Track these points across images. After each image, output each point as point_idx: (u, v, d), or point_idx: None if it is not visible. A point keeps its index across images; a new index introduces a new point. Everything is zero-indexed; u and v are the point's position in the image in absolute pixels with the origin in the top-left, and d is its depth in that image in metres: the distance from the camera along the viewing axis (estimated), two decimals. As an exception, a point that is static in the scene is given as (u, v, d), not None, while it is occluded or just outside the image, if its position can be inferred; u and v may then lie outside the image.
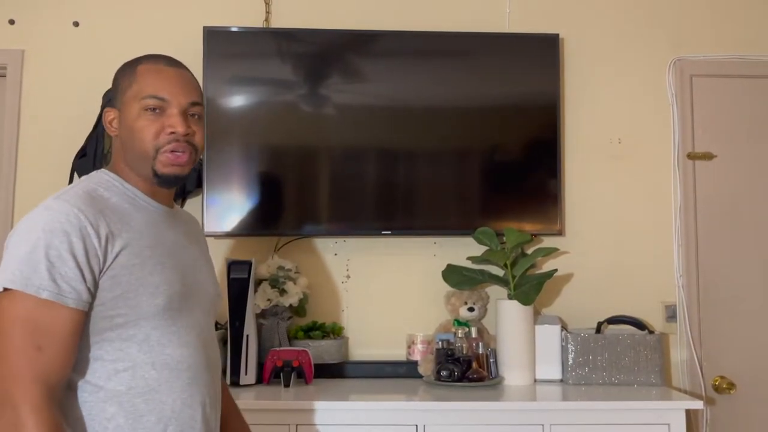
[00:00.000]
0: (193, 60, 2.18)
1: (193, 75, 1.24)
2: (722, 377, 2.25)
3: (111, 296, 1.07)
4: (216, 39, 2.20)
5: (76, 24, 2.33)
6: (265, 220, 2.21)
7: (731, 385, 2.23)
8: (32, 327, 1.00)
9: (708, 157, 2.34)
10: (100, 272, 1.06)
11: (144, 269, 1.10)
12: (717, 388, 2.24)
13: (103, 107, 2.10)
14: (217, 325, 2.13)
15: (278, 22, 2.33)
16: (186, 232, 1.27)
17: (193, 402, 1.14)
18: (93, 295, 1.06)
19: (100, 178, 1.18)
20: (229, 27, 2.23)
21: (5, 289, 1.02)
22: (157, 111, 1.15)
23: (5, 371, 0.99)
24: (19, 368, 0.99)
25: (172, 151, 1.15)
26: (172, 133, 1.15)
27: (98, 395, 1.07)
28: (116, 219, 1.11)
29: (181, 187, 2.18)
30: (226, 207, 2.17)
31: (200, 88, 1.24)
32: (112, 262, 1.07)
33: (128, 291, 1.08)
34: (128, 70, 1.19)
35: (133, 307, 1.09)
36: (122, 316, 1.08)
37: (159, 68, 1.18)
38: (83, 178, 1.19)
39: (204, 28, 2.20)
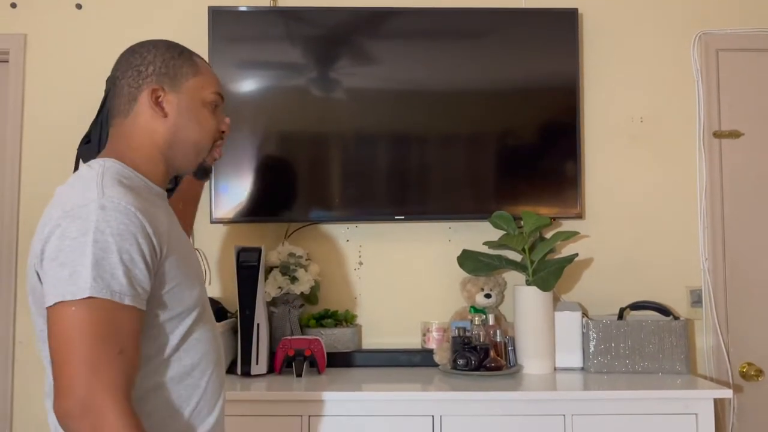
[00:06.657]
0: (199, 42, 2.13)
1: None
2: (750, 364, 2.17)
3: (161, 293, 1.06)
4: (222, 19, 2.13)
5: (78, 6, 2.27)
6: (275, 206, 2.15)
7: (759, 372, 2.16)
8: (114, 331, 0.98)
9: (735, 135, 2.24)
10: (157, 270, 1.05)
11: (181, 262, 1.10)
12: (744, 375, 2.17)
13: (107, 91, 2.04)
14: (227, 314, 2.08)
15: (286, 1, 2.25)
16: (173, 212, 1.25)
17: (219, 383, 1.18)
18: None
19: (114, 167, 1.10)
20: (236, 6, 2.16)
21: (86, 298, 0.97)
22: (215, 108, 1.20)
23: (89, 378, 0.95)
24: (106, 374, 0.95)
25: (219, 147, 1.24)
26: (223, 132, 1.23)
27: (140, 389, 1.04)
28: (152, 214, 1.06)
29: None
30: (235, 193, 2.12)
31: None
32: (163, 259, 1.06)
33: (176, 285, 1.08)
34: (186, 57, 1.18)
35: (180, 301, 1.09)
36: (169, 311, 1.08)
37: (208, 66, 1.22)
38: (93, 165, 1.10)
39: (209, 8, 2.13)
